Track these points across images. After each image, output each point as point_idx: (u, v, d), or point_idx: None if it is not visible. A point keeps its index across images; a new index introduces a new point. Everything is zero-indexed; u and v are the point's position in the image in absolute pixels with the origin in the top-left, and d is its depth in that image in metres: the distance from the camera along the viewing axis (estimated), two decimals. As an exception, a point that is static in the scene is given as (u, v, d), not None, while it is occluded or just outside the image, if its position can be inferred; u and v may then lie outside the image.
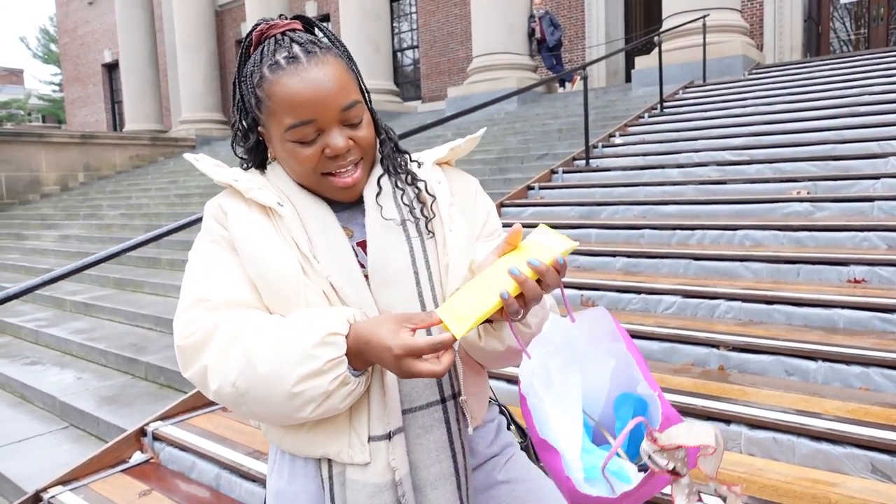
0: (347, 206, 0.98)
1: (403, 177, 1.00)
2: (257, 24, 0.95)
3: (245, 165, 1.02)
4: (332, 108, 0.89)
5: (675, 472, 0.75)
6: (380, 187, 0.97)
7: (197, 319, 0.88)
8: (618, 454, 0.82)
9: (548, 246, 0.84)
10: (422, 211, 0.99)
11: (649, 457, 0.74)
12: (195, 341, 0.88)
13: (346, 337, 0.84)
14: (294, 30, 0.95)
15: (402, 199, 0.98)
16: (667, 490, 0.77)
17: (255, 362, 0.83)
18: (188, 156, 1.02)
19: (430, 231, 0.98)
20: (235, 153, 1.02)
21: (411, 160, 1.03)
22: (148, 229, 8.25)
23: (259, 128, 0.97)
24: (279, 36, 0.93)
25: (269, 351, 0.83)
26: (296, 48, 0.90)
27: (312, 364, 0.81)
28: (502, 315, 0.83)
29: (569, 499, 0.79)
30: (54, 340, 5.03)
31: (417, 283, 0.94)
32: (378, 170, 0.99)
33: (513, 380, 2.85)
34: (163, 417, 3.04)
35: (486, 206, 1.07)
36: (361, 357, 0.84)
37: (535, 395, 0.81)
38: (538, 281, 0.83)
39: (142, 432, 2.98)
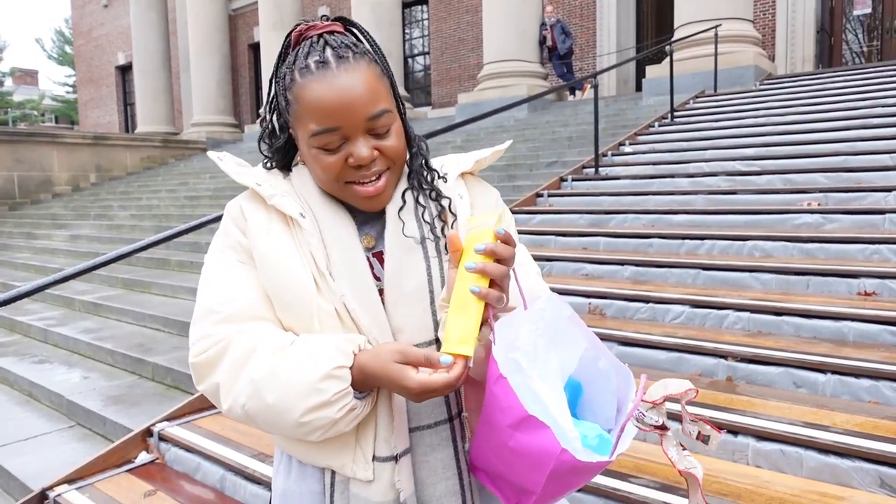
0: (370, 214, 0.97)
1: (428, 192, 0.98)
2: (297, 25, 0.94)
3: (269, 164, 1.00)
4: (358, 116, 0.87)
5: (663, 427, 0.83)
6: (403, 201, 0.95)
7: (209, 335, 0.89)
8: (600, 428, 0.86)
9: (483, 229, 0.85)
10: (442, 230, 0.97)
11: (643, 416, 0.81)
12: (207, 359, 0.89)
13: (351, 368, 0.85)
14: (332, 32, 0.92)
15: (423, 215, 0.96)
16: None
17: (262, 392, 0.84)
18: (212, 154, 1.00)
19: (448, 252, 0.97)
20: (260, 150, 1.00)
21: (439, 175, 1.00)
22: (157, 230, 8.29)
23: (290, 129, 0.96)
24: (315, 38, 0.91)
25: (277, 381, 0.84)
26: (328, 52, 0.88)
27: (319, 397, 0.83)
28: (489, 312, 0.83)
29: (556, 473, 0.79)
30: (63, 339, 5.06)
31: (432, 302, 0.93)
32: (404, 183, 0.97)
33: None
34: (169, 418, 3.06)
35: (505, 221, 1.05)
36: (366, 383, 0.86)
37: (519, 373, 0.81)
38: (497, 262, 0.83)
39: (148, 433, 2.99)
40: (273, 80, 0.95)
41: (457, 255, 0.85)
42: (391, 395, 0.91)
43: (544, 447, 0.77)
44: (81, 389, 3.98)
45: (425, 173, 0.99)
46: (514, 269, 0.86)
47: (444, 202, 0.98)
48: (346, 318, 0.90)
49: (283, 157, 1.00)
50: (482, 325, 0.84)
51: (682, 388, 0.81)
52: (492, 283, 0.82)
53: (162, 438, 2.94)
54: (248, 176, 0.95)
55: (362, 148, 0.88)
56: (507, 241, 0.83)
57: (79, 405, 3.72)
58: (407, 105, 13.46)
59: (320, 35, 0.91)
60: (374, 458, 0.90)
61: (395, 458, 0.90)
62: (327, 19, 0.94)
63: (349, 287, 0.90)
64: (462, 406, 0.98)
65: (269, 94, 0.98)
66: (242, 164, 0.99)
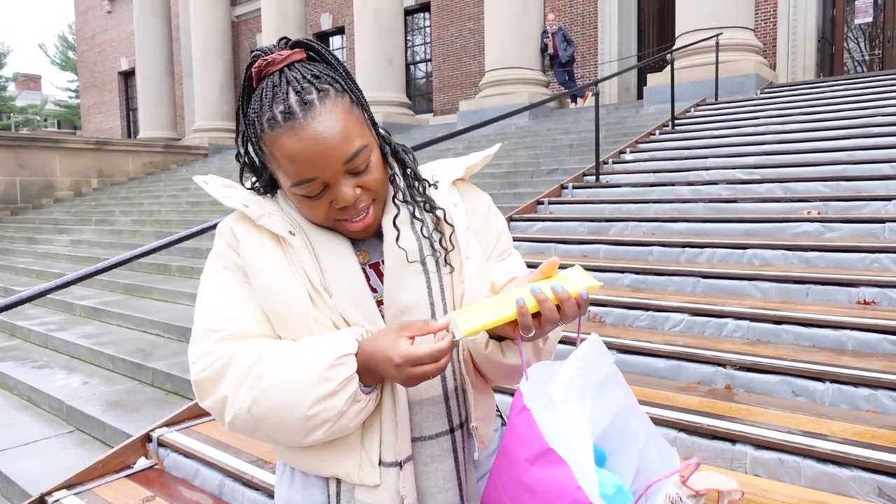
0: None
1: (422, 204, 0.97)
2: (255, 59, 0.89)
3: (257, 190, 0.98)
4: (334, 162, 0.85)
5: None
6: (397, 229, 0.93)
7: (210, 352, 0.89)
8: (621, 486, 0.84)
9: (575, 280, 0.87)
10: (440, 242, 0.96)
11: (679, 499, 0.78)
12: (211, 374, 0.88)
13: (356, 355, 0.86)
14: (293, 64, 0.88)
15: (421, 230, 0.95)
16: None
17: (270, 391, 0.85)
18: (197, 178, 0.98)
19: (448, 265, 0.97)
20: (242, 182, 0.98)
21: (429, 184, 0.99)
22: (159, 236, 8.31)
23: (270, 171, 0.94)
24: (277, 77, 0.86)
25: (284, 376, 0.84)
26: (292, 99, 0.84)
27: (327, 386, 0.83)
28: (514, 330, 0.84)
29: None
30: (63, 344, 5.06)
31: (433, 315, 0.94)
32: (392, 209, 0.95)
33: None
34: (168, 424, 3.06)
35: (498, 225, 1.04)
36: (370, 373, 0.86)
37: (550, 409, 0.81)
38: (557, 308, 0.84)
39: (147, 438, 2.99)
40: (242, 115, 0.92)
41: (541, 277, 0.88)
42: (395, 400, 0.91)
43: (560, 483, 0.76)
44: (81, 395, 3.98)
45: (416, 185, 0.98)
46: (550, 335, 0.90)
47: (439, 213, 0.97)
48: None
49: (268, 185, 0.98)
50: (507, 340, 0.88)
51: (727, 486, 0.77)
52: (536, 315, 0.84)
53: (161, 444, 2.94)
54: (236, 199, 0.94)
55: (345, 190, 0.87)
56: (580, 304, 0.84)
57: (78, 410, 3.72)
58: (409, 112, 13.49)
59: (281, 72, 0.87)
60: (381, 463, 0.91)
61: (400, 465, 0.91)
62: (286, 44, 0.90)
63: (348, 301, 0.91)
64: (465, 416, 0.98)
65: (237, 129, 0.95)
66: (230, 184, 0.97)
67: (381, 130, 0.96)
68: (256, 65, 0.88)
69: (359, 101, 0.90)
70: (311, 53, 0.91)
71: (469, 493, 0.98)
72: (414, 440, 0.94)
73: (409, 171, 0.98)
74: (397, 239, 0.93)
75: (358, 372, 0.85)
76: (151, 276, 6.90)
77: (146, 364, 4.18)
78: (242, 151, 0.96)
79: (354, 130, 0.87)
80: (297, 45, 0.90)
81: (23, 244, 10.08)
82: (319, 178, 0.86)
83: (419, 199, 0.97)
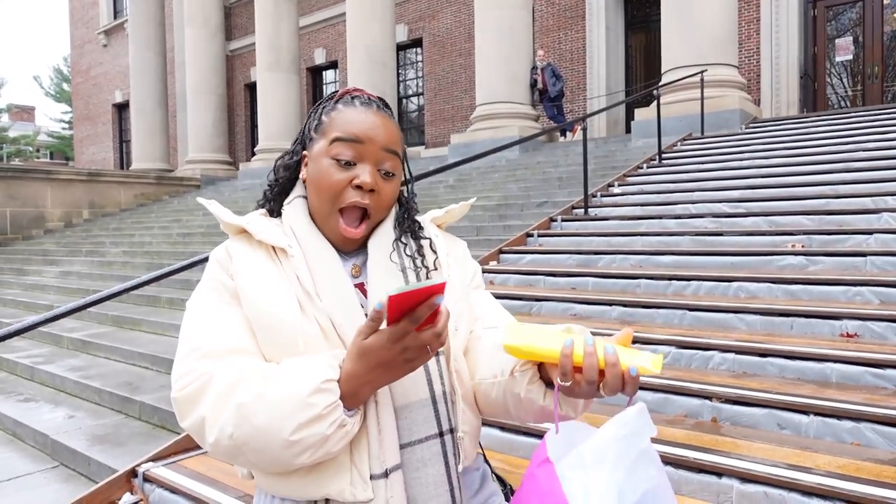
0: (354, 249, 1.04)
1: (409, 232, 1.07)
2: (348, 89, 1.07)
3: (264, 203, 1.08)
4: (377, 142, 0.99)
5: None
6: (385, 238, 1.04)
7: (192, 370, 0.90)
8: None
9: (634, 356, 0.83)
10: (423, 262, 1.05)
11: None
12: (190, 392, 0.89)
13: (339, 381, 0.86)
14: (381, 100, 1.07)
15: (405, 250, 1.04)
16: None
17: (251, 416, 0.84)
18: (201, 199, 1.08)
19: (430, 279, 1.04)
20: (275, 171, 1.09)
21: (419, 227, 1.12)
22: (149, 267, 8.29)
23: (304, 151, 1.05)
24: (364, 96, 1.05)
25: (265, 401, 0.84)
26: (372, 102, 1.03)
27: (310, 412, 0.83)
28: (549, 372, 0.86)
29: None
30: (49, 377, 5.02)
31: None
32: (388, 226, 1.05)
33: (506, 427, 2.85)
34: (154, 458, 3.03)
35: (474, 266, 1.15)
36: (353, 393, 0.86)
37: (576, 466, 0.77)
38: (601, 373, 0.82)
39: (133, 473, 2.96)
40: (308, 117, 1.08)
41: (613, 343, 0.85)
42: (378, 411, 0.91)
43: None
44: (67, 429, 3.94)
45: (407, 222, 1.09)
46: (581, 403, 0.91)
47: (425, 242, 1.08)
48: (333, 336, 0.93)
49: (280, 197, 1.07)
50: (544, 386, 0.89)
51: None
52: (578, 369, 0.83)
53: (147, 479, 2.91)
54: (238, 217, 1.03)
55: (368, 174, 0.98)
56: (626, 381, 0.82)
57: (63, 445, 3.68)
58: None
59: (368, 95, 1.06)
60: (372, 477, 0.90)
61: (386, 474, 0.90)
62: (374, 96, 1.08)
63: (336, 306, 0.95)
64: (454, 424, 0.98)
65: (291, 151, 1.09)
66: (229, 211, 1.06)
67: (407, 174, 1.10)
68: (347, 89, 1.06)
69: (404, 142, 1.07)
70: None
71: (461, 501, 0.97)
72: (402, 446, 0.93)
73: (410, 205, 1.11)
74: (382, 244, 1.03)
75: (341, 397, 0.85)
76: (141, 307, 6.87)
77: (133, 397, 4.15)
78: (281, 162, 1.08)
79: (398, 144, 1.03)
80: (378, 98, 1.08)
81: (12, 275, 10.02)
82: (360, 144, 0.98)
83: (407, 228, 1.07)
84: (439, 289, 0.77)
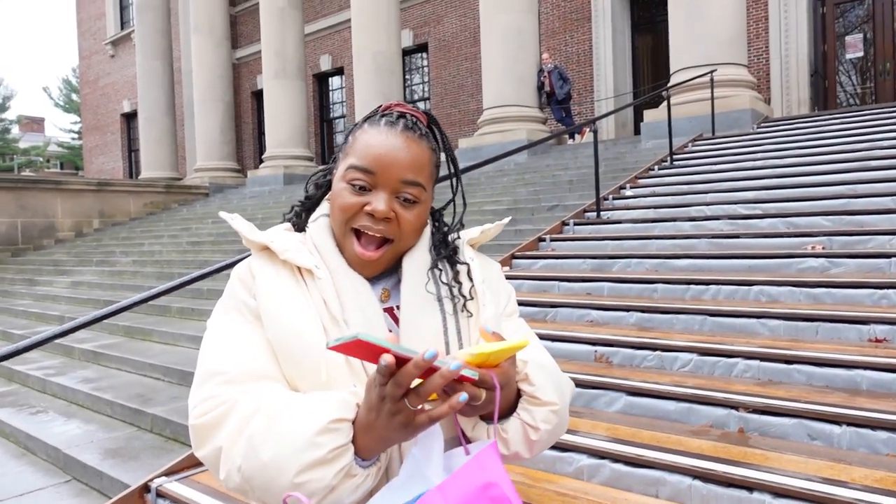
0: (386, 271, 0.98)
1: (445, 256, 1.02)
2: (389, 104, 1.02)
3: (291, 218, 1.04)
4: (394, 172, 0.92)
5: None
6: (421, 265, 0.98)
7: (212, 396, 0.85)
8: None
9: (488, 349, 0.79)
10: (459, 290, 0.99)
11: None
12: (210, 420, 0.84)
13: (353, 423, 0.78)
14: (415, 115, 0.99)
15: (440, 277, 0.99)
16: None
17: (258, 448, 0.78)
18: (224, 214, 1.03)
19: (466, 310, 0.99)
20: (306, 187, 1.07)
21: (452, 245, 1.06)
22: (159, 276, 8.28)
23: (334, 169, 1.02)
24: (398, 111, 0.98)
25: (273, 436, 0.78)
26: (400, 120, 0.95)
27: (315, 452, 0.75)
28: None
29: None
30: (61, 389, 4.99)
31: (448, 354, 0.92)
32: (422, 250, 1.00)
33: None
34: (167, 473, 2.98)
35: (508, 289, 1.10)
36: (371, 441, 0.77)
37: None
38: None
39: (145, 488, 2.91)
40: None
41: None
42: (389, 469, 0.86)
43: None
44: (79, 442, 3.90)
45: (443, 242, 1.04)
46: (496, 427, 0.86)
47: (461, 268, 1.02)
48: (357, 366, 0.87)
49: (309, 213, 1.03)
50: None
51: None
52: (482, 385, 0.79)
53: (159, 494, 2.86)
54: (261, 234, 0.97)
55: (382, 202, 0.91)
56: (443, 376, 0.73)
57: (76, 459, 3.64)
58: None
59: (403, 111, 0.98)
60: None
61: None
62: (417, 109, 1.02)
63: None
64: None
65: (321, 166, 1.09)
66: (252, 226, 1.01)
67: (434, 208, 1.05)
68: (389, 104, 1.01)
69: (437, 165, 1.01)
70: (430, 124, 1.02)
71: None
72: None
73: (444, 228, 1.06)
74: (417, 270, 0.97)
75: (355, 442, 0.77)
76: (152, 317, 6.84)
77: (145, 410, 4.11)
78: (314, 178, 1.07)
79: (424, 170, 0.95)
80: (424, 113, 1.03)
81: (23, 286, 10.04)
82: (375, 175, 0.92)
83: (444, 252, 1.02)
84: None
